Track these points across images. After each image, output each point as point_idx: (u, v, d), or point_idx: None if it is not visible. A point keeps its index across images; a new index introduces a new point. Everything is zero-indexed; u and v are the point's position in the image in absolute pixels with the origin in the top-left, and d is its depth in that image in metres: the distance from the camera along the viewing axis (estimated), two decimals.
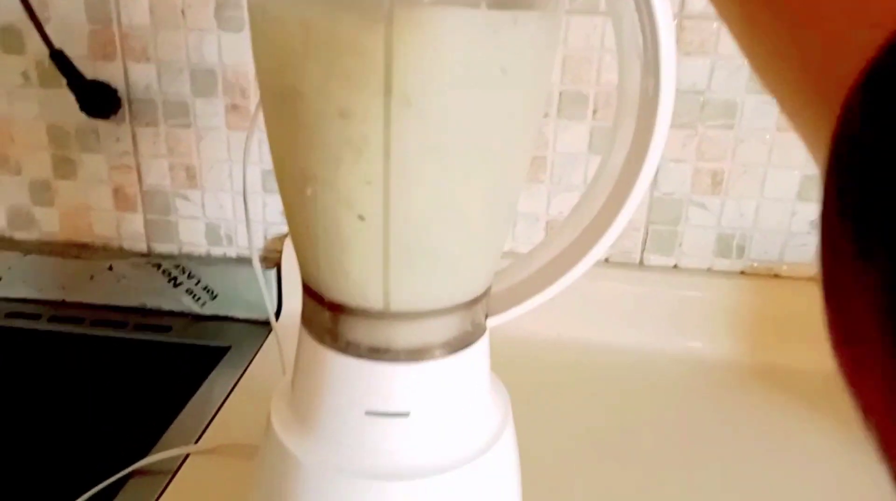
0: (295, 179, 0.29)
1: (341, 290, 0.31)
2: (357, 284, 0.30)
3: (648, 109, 0.32)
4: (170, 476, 0.48)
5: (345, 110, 0.27)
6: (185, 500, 0.47)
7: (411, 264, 0.29)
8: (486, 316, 0.35)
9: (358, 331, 0.32)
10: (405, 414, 0.32)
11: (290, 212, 0.31)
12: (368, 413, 0.32)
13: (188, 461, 0.50)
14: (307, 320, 0.34)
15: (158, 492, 0.47)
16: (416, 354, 0.32)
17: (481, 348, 0.34)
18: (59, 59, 0.61)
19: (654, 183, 0.63)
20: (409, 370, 0.32)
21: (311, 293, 0.33)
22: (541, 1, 0.29)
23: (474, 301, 0.33)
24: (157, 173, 0.69)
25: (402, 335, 0.31)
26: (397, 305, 0.30)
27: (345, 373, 0.32)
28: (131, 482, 0.48)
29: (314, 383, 0.33)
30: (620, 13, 0.31)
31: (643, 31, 0.30)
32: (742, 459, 0.51)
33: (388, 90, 0.26)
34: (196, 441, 0.52)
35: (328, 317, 0.32)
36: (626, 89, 0.34)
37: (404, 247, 0.29)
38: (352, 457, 0.32)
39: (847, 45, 0.13)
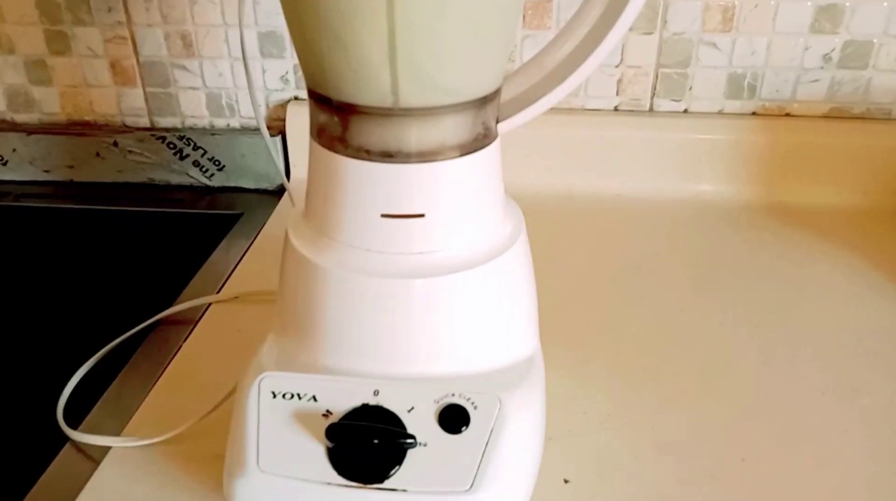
0: None
1: (350, 86, 0.30)
2: (366, 76, 0.30)
3: None
4: (194, 323, 0.50)
5: None
6: (209, 343, 0.48)
7: (418, 49, 0.29)
8: (497, 121, 0.34)
9: (369, 133, 0.31)
10: (420, 216, 0.32)
11: (292, 7, 0.30)
12: (384, 216, 0.32)
13: (210, 309, 0.51)
14: (317, 132, 0.33)
15: (184, 337, 0.48)
16: (428, 154, 0.31)
17: (493, 152, 0.34)
18: None
19: (664, 23, 0.61)
20: (423, 171, 0.32)
21: (319, 101, 0.32)
22: None
23: (484, 101, 0.32)
24: (153, 43, 0.67)
25: (413, 136, 0.31)
26: (406, 99, 0.30)
27: (358, 177, 0.32)
28: (158, 330, 0.49)
29: (329, 192, 0.33)
30: None
31: None
32: (758, 293, 0.52)
33: None
34: (217, 292, 0.53)
35: (338, 123, 0.32)
36: None
37: (411, 27, 0.28)
38: (371, 259, 0.32)
39: None
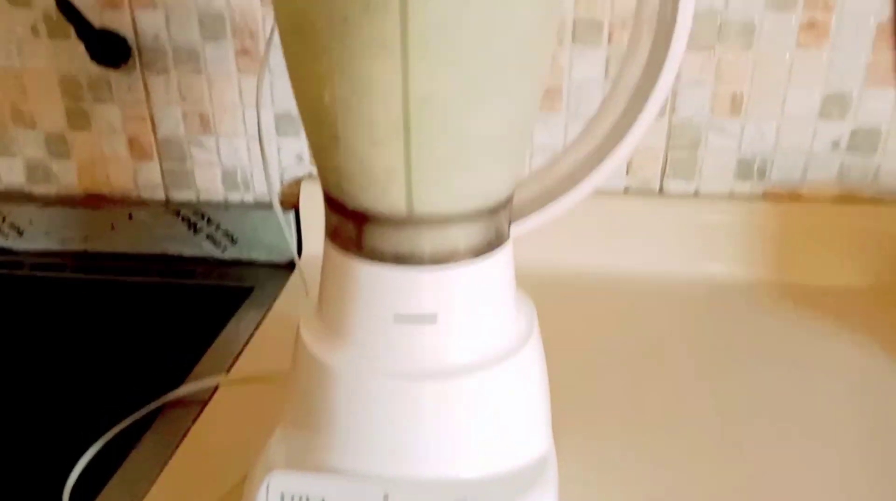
0: (313, 83, 0.29)
1: (365, 195, 0.31)
2: (381, 186, 0.30)
3: (667, 16, 0.31)
4: (202, 405, 0.49)
5: (361, 7, 0.26)
6: (218, 427, 0.48)
7: (434, 164, 0.29)
8: (510, 224, 0.35)
9: (383, 238, 0.32)
10: (433, 318, 0.32)
11: (309, 116, 0.31)
12: (397, 318, 0.32)
13: (219, 391, 0.51)
14: (332, 233, 0.34)
15: (192, 420, 0.48)
16: (441, 258, 0.32)
17: (505, 254, 0.34)
18: (66, 8, 0.61)
19: (673, 108, 0.62)
20: (435, 274, 0.32)
21: (334, 205, 0.33)
22: None
23: (497, 208, 0.33)
24: (171, 121, 0.69)
25: (427, 242, 0.31)
26: (421, 208, 0.30)
27: (372, 280, 0.32)
28: (165, 412, 0.49)
29: (342, 293, 0.33)
30: None
31: None
32: (770, 376, 0.51)
33: None
34: (226, 373, 0.53)
35: (352, 227, 0.32)
36: (642, 9, 0.33)
37: (427, 145, 0.29)
38: (383, 361, 0.32)
39: None
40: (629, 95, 0.34)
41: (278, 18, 0.30)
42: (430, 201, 0.30)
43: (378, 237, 0.32)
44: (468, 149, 0.29)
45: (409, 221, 0.31)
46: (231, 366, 0.54)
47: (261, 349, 0.56)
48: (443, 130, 0.29)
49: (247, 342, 0.57)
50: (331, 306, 0.34)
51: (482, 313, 0.33)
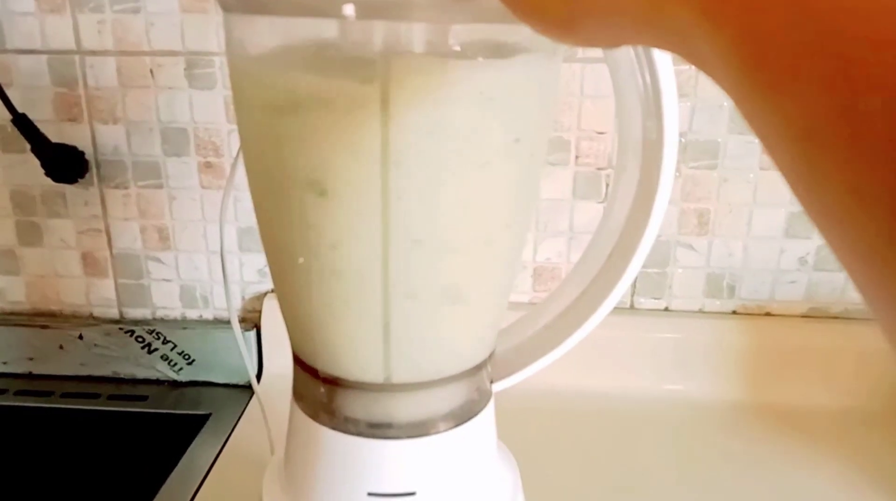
0: (286, 249, 0.27)
1: (338, 364, 0.29)
2: (356, 356, 0.28)
3: (653, 153, 0.30)
4: None
5: (333, 183, 0.25)
6: None
7: (415, 336, 0.27)
8: (492, 381, 0.33)
9: (356, 406, 0.29)
10: (411, 494, 0.30)
11: (280, 280, 0.29)
12: (371, 495, 0.30)
13: None
14: (299, 394, 0.31)
15: None
16: (419, 428, 0.30)
17: (487, 416, 0.32)
18: (22, 124, 0.59)
19: None
20: (413, 447, 0.29)
21: (303, 366, 0.31)
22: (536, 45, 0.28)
23: (479, 367, 0.31)
24: (128, 236, 0.66)
25: (404, 408, 0.29)
26: (399, 376, 0.28)
27: (343, 453, 0.30)
28: None
29: (310, 464, 0.31)
30: (618, 61, 0.30)
31: (643, 77, 0.29)
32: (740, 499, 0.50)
33: (384, 156, 0.25)
34: None
35: (323, 392, 0.30)
36: (626, 134, 0.33)
37: (406, 317, 0.27)
38: None
39: None
40: (612, 246, 0.33)
41: (251, 179, 0.29)
42: (409, 370, 0.28)
43: (351, 405, 0.29)
44: (450, 319, 0.28)
45: (385, 388, 0.29)
46: None
47: (218, 490, 0.52)
48: (421, 304, 0.27)
49: (202, 481, 0.53)
50: (297, 479, 0.31)
51: (464, 485, 0.31)
